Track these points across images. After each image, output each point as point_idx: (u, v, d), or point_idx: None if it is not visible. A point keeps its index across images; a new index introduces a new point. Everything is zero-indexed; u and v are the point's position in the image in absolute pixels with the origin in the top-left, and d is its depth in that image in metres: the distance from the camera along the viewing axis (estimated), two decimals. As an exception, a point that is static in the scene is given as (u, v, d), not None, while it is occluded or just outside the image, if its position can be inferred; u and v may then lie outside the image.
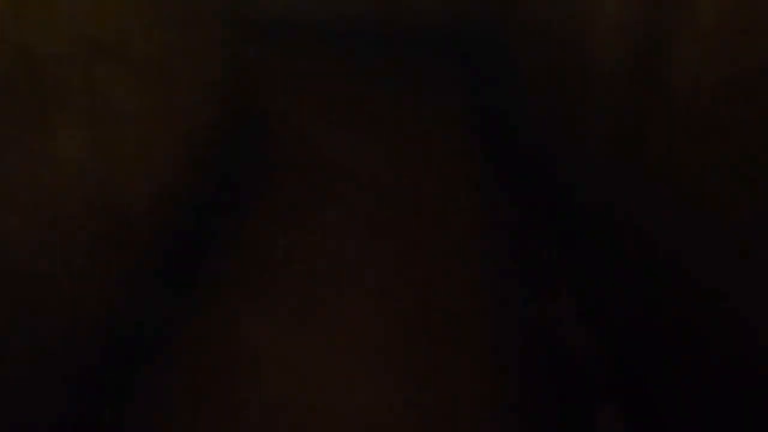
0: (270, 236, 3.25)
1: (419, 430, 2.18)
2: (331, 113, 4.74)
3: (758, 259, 1.34)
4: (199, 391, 2.31)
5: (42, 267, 1.83)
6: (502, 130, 4.16)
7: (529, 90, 3.45)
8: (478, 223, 3.41)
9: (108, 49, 2.19)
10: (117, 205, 2.26)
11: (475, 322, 2.66)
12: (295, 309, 2.71)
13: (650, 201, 1.88)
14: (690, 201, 1.65)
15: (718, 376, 1.50)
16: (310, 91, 5.19)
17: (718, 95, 1.53)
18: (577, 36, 2.60)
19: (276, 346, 2.52)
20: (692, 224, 1.63)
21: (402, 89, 5.21)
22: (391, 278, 2.94)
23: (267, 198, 3.63)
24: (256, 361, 2.44)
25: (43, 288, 1.84)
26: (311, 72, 5.58)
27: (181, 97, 2.93)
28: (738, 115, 1.44)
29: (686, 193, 1.66)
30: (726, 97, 1.49)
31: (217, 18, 3.55)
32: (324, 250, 3.13)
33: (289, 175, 3.89)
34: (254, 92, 5.13)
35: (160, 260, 2.65)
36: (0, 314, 1.67)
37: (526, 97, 3.53)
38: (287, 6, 6.42)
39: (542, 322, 2.60)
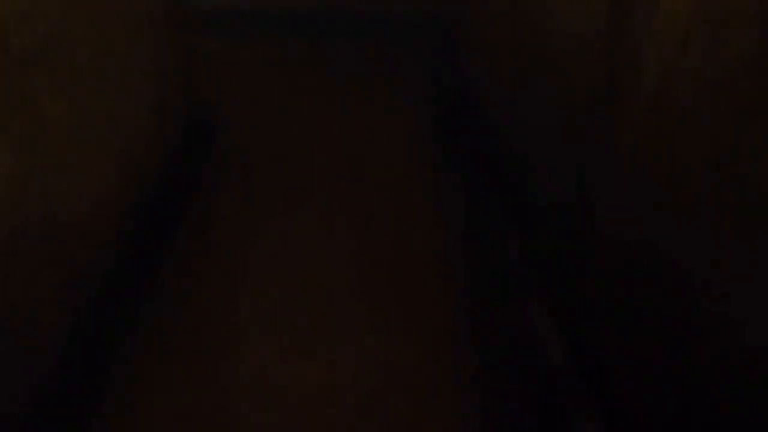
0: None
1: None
2: (289, 115, 4.68)
3: (737, 254, 1.30)
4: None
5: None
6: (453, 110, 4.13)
7: (491, 76, 3.41)
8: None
9: (42, 60, 2.09)
10: (54, 216, 2.18)
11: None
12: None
13: (623, 195, 1.84)
14: (664, 194, 1.60)
15: (687, 366, 1.45)
16: (268, 88, 5.14)
17: (691, 86, 1.48)
18: (541, 22, 2.55)
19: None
20: (666, 219, 1.58)
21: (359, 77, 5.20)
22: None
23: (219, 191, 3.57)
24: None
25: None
26: (269, 66, 5.53)
27: (123, 98, 2.84)
28: (712, 109, 1.39)
29: (660, 186, 1.62)
30: (699, 90, 1.44)
31: (162, 12, 3.46)
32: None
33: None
34: (205, 89, 5.06)
35: (103, 273, 2.58)
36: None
37: (487, 84, 3.49)
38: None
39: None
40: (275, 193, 3.62)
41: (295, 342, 2.58)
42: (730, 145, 1.34)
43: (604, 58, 1.99)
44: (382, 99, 4.88)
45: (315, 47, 5.93)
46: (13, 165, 1.90)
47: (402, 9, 6.27)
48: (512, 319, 2.66)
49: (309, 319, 2.70)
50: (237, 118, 4.59)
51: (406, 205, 3.53)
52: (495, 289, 2.85)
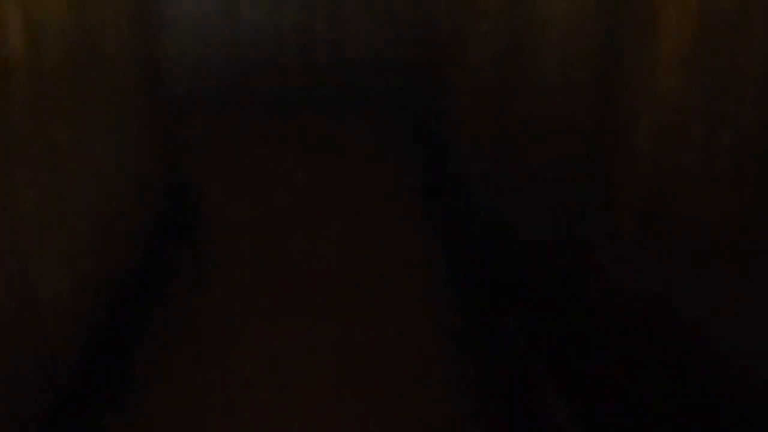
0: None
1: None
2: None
3: (756, 305, 1.34)
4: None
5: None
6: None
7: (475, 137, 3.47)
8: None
9: (18, 147, 2.10)
10: (31, 295, 2.15)
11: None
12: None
13: (627, 248, 1.88)
14: (675, 247, 1.65)
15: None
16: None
17: (691, 149, 1.55)
18: (536, 79, 2.63)
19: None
20: (679, 271, 1.63)
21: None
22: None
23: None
24: None
25: None
26: (255, 142, 5.54)
27: (103, 177, 2.83)
28: (720, 169, 1.45)
29: (669, 239, 1.67)
30: (702, 154, 1.51)
31: (145, 92, 3.47)
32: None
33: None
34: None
35: (81, 350, 2.53)
36: None
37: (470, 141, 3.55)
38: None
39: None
40: (259, 277, 3.55)
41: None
42: (741, 203, 1.39)
43: (596, 118, 2.07)
44: (367, 170, 4.91)
45: (302, 120, 5.96)
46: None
47: (386, 81, 6.41)
48: (515, 389, 2.65)
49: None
50: (222, 192, 4.58)
51: (396, 272, 3.53)
52: (494, 359, 2.84)
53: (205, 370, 2.74)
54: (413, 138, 5.48)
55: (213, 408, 2.52)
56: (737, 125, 1.40)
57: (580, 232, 2.25)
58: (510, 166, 3.03)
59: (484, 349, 2.87)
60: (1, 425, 1.90)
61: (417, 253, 3.67)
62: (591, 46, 2.12)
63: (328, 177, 4.76)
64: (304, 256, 3.64)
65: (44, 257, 2.25)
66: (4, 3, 2.04)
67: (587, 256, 2.19)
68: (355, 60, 6.34)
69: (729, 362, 1.46)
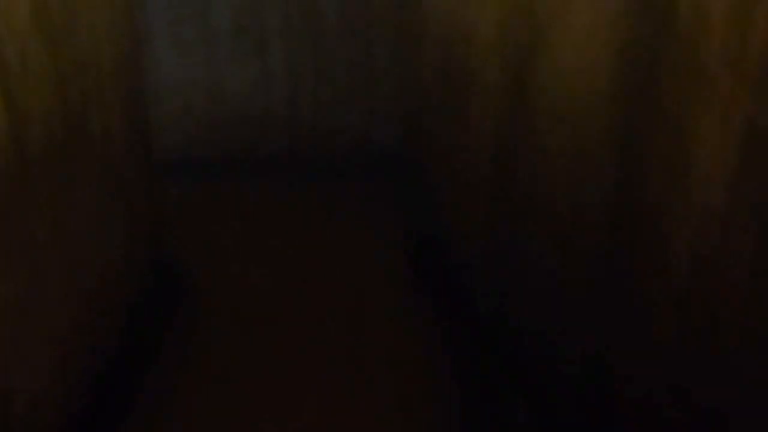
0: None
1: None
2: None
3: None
4: None
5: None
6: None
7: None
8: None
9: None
10: (7, 394, 2.00)
11: None
12: None
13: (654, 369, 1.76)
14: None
15: None
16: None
17: (740, 271, 1.45)
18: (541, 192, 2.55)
19: None
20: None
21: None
22: None
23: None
24: None
25: None
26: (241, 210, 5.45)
27: (86, 267, 2.69)
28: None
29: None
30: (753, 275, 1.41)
31: (130, 168, 3.38)
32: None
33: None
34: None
35: None
36: None
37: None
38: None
39: None
40: (244, 353, 3.41)
41: None
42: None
43: (617, 230, 1.97)
44: (357, 245, 4.81)
45: (287, 190, 5.89)
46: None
47: (377, 155, 6.40)
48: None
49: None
50: (207, 263, 4.45)
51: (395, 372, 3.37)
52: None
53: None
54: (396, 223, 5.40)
55: None
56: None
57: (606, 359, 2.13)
58: (519, 266, 2.92)
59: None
60: None
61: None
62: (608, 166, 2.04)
63: (308, 261, 4.64)
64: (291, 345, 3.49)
65: (20, 354, 2.10)
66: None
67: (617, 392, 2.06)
68: (342, 139, 6.32)
69: None
